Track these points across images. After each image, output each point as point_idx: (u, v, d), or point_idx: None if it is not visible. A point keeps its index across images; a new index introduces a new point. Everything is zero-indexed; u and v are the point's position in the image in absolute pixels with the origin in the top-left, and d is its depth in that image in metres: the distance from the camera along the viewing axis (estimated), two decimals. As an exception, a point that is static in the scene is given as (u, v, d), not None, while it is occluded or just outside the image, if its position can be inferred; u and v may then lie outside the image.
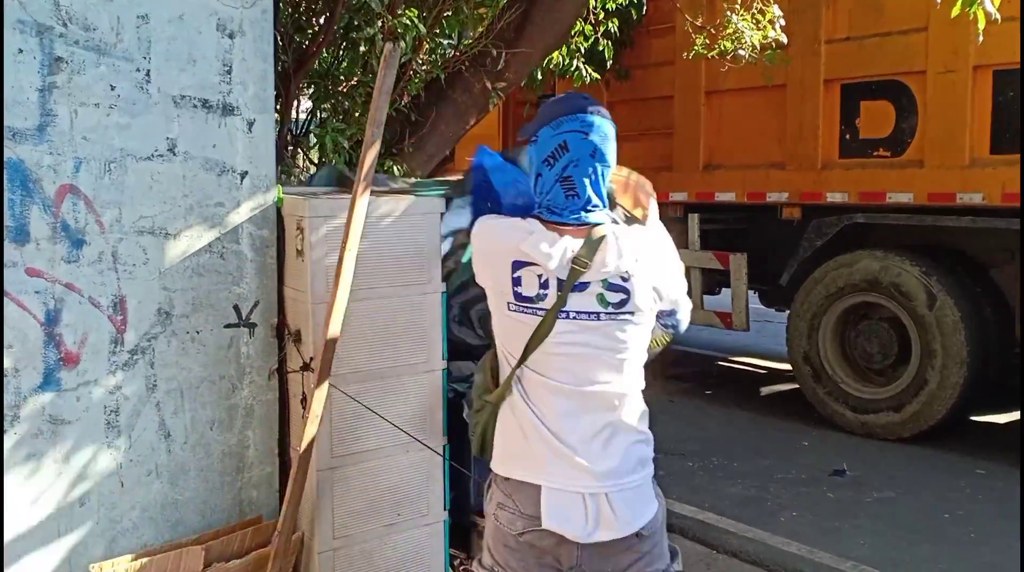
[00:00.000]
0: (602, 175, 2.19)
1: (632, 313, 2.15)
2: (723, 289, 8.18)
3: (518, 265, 2.15)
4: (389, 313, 3.15)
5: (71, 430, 2.75)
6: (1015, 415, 7.08)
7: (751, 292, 7.67)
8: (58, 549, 2.77)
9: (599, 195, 2.19)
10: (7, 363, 2.63)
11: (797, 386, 7.38)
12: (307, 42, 4.38)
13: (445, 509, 3.37)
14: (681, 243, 7.76)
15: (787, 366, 7.96)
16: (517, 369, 2.18)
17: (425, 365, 3.25)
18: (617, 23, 6.14)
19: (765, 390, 7.97)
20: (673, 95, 7.78)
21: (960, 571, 4.51)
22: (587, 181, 2.16)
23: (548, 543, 2.18)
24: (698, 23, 5.72)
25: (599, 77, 5.86)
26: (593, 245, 2.13)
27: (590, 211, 2.18)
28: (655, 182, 8.42)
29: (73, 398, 2.75)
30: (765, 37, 5.05)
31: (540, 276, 2.14)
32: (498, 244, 2.21)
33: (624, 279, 2.14)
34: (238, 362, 3.06)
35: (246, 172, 3.03)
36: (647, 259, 2.18)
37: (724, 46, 5.22)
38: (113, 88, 2.77)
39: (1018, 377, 6.26)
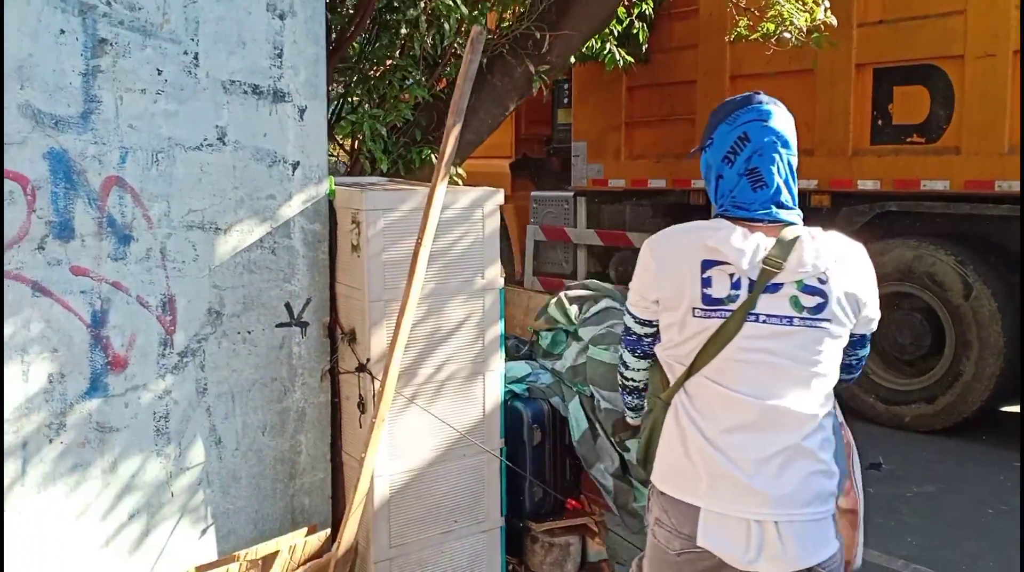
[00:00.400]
0: (789, 165, 2.04)
1: (829, 321, 1.96)
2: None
3: (708, 265, 1.97)
4: (444, 312, 2.99)
5: (119, 438, 2.58)
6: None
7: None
8: (108, 562, 2.60)
9: (789, 189, 2.03)
10: (52, 368, 2.46)
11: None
12: (341, 24, 4.18)
13: (502, 515, 3.22)
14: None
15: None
16: (692, 376, 2.00)
17: (482, 366, 3.08)
18: (652, 4, 5.95)
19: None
20: (696, 79, 7.60)
21: (1011, 568, 4.38)
22: (774, 169, 2.00)
23: (709, 564, 2.01)
24: (741, 4, 5.54)
25: (632, 61, 5.67)
26: (787, 245, 1.95)
27: (781, 207, 2.01)
28: (676, 169, 8.34)
29: (121, 404, 2.57)
30: (813, 19, 4.88)
31: (732, 275, 1.96)
32: (683, 246, 2.03)
33: (821, 282, 1.96)
34: (290, 363, 2.90)
35: (298, 162, 2.85)
36: (849, 264, 2.00)
37: (767, 28, 5.04)
38: (160, 72, 2.58)
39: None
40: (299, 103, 2.85)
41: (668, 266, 2.04)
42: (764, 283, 1.94)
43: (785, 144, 2.02)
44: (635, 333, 2.20)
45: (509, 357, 3.44)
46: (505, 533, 3.24)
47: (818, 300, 1.95)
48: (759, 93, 2.09)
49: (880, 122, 6.57)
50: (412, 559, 3.01)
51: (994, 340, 6.07)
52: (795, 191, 2.05)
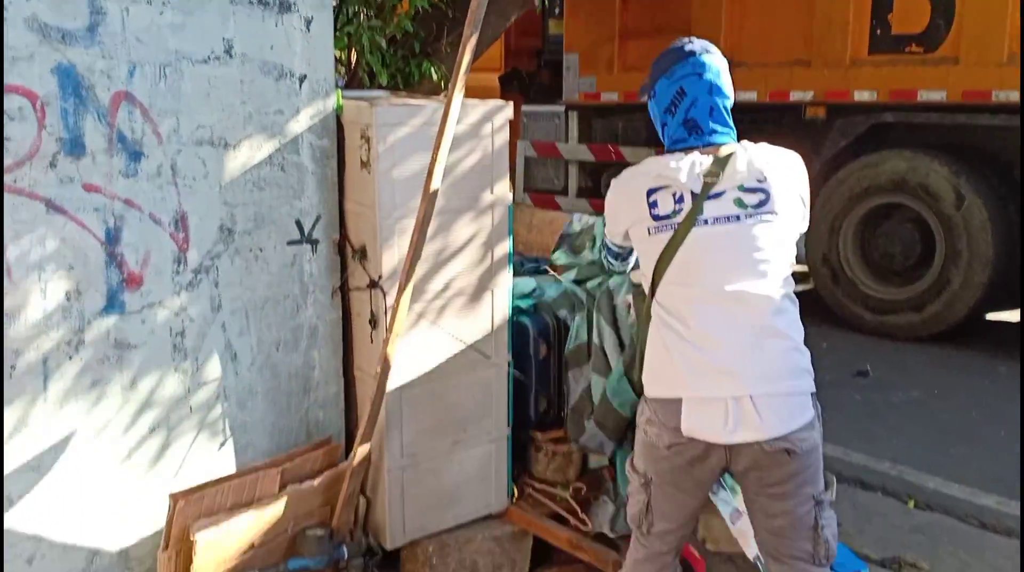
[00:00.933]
0: (723, 108, 2.34)
1: (774, 213, 2.22)
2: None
3: (652, 191, 2.29)
4: (453, 228, 3.00)
5: (137, 354, 2.61)
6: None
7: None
8: (129, 477, 2.66)
9: (723, 124, 2.33)
10: (68, 286, 2.47)
11: (810, 287, 7.35)
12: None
13: (508, 425, 3.29)
14: (699, 143, 7.62)
15: (801, 268, 7.92)
16: (659, 285, 2.27)
17: (490, 282, 3.11)
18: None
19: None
20: (691, -12, 7.49)
21: (997, 469, 4.54)
22: (708, 116, 2.32)
23: (696, 452, 2.28)
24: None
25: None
26: (722, 159, 2.25)
27: (715, 134, 2.31)
28: None
29: (138, 321, 2.59)
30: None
31: (675, 194, 2.26)
32: (633, 182, 2.36)
33: (760, 181, 2.23)
34: (301, 281, 2.91)
35: (305, 76, 2.82)
36: (785, 165, 2.29)
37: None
38: (164, -17, 2.53)
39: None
40: (305, 14, 2.80)
41: (624, 201, 2.39)
42: (706, 193, 2.23)
43: (719, 92, 2.33)
44: (613, 251, 2.62)
45: (514, 273, 3.47)
46: (511, 442, 3.32)
47: (760, 197, 2.23)
48: (691, 41, 2.38)
49: (879, 32, 6.51)
50: (423, 468, 3.09)
51: (983, 249, 6.16)
52: (730, 123, 2.35)
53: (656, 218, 2.27)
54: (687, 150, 2.30)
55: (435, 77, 4.08)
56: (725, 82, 2.35)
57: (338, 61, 4.47)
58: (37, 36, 2.33)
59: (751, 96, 7.20)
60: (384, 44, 3.90)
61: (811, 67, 6.82)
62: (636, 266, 2.55)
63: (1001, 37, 5.87)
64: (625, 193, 2.39)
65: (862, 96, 6.57)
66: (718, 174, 2.23)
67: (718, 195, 2.22)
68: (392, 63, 4.06)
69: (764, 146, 2.30)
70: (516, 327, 3.31)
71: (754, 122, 7.60)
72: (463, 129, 2.92)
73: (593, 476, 3.59)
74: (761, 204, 2.22)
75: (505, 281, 3.15)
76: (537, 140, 8.67)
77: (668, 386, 2.28)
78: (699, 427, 2.22)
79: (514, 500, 3.33)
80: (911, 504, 4.16)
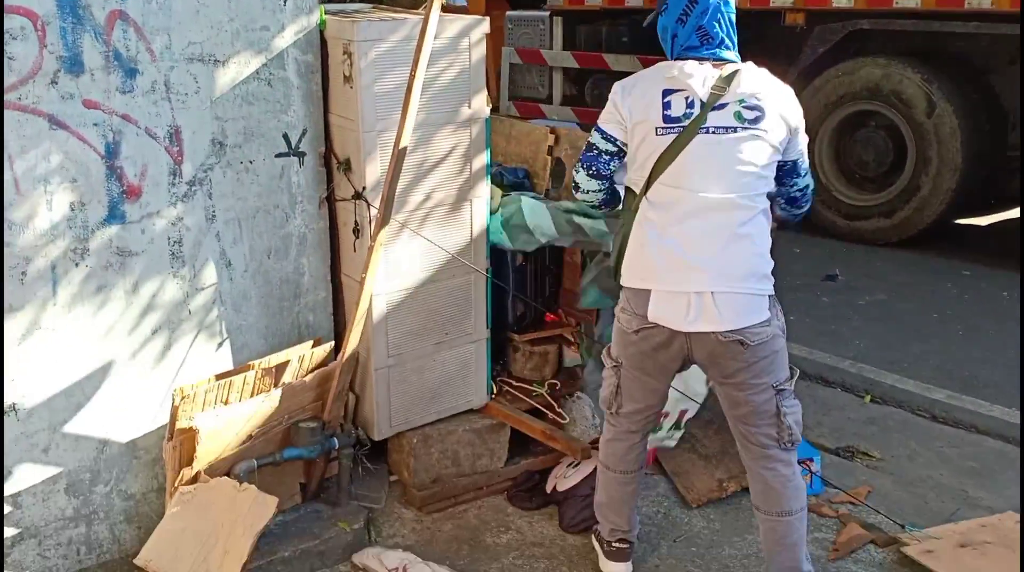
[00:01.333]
0: (729, 18, 2.57)
1: (766, 131, 2.49)
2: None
3: (668, 92, 2.51)
4: (432, 142, 3.14)
5: (138, 262, 2.79)
6: (996, 217, 7.33)
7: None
8: (133, 375, 2.87)
9: (730, 36, 2.58)
10: (72, 198, 2.63)
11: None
12: None
13: (487, 327, 3.50)
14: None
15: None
16: (652, 184, 2.51)
17: (469, 193, 3.28)
18: None
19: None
20: None
21: (952, 366, 4.82)
22: (718, 26, 2.55)
23: (661, 338, 2.58)
24: None
25: None
26: (730, 75, 2.50)
27: (724, 49, 2.55)
28: None
29: (138, 230, 2.77)
30: None
31: (687, 98, 2.50)
32: (647, 79, 2.58)
33: (758, 100, 2.49)
34: (290, 192, 3.07)
35: (288, -8, 2.93)
36: (776, 89, 2.56)
37: None
38: (151, -97, 2.62)
39: (1006, 181, 6.43)
40: (288, -67, 2.89)
41: (635, 93, 2.58)
42: (712, 103, 2.47)
43: (727, 3, 2.56)
44: (597, 148, 2.67)
45: (496, 185, 3.62)
46: (491, 343, 3.54)
47: (756, 114, 2.49)
48: None
49: (857, -63, 6.53)
50: (408, 367, 3.31)
51: (952, 156, 6.33)
52: (735, 39, 2.58)
53: (667, 119, 2.49)
54: (700, 60, 2.52)
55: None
56: None
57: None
58: (34, -43, 2.43)
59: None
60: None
61: (791, -27, 6.85)
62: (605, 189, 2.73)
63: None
64: (641, 89, 2.57)
65: (840, 2, 6.61)
66: (724, 88, 2.47)
67: (722, 106, 2.48)
68: (374, -26, 4.12)
69: (766, 72, 2.56)
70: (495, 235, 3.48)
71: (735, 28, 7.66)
72: (441, 44, 3.05)
73: (568, 372, 3.83)
74: (756, 120, 2.49)
75: (483, 192, 3.32)
76: (521, 47, 8.64)
77: (641, 278, 2.58)
78: (663, 315, 2.54)
79: (493, 396, 3.57)
80: (867, 399, 4.44)
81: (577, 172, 2.74)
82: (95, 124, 2.62)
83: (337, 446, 3.08)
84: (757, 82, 2.51)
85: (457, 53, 3.12)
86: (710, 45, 2.53)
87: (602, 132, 2.65)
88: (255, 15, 2.87)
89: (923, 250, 6.66)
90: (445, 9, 2.88)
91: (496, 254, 3.48)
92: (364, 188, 3.04)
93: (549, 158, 3.85)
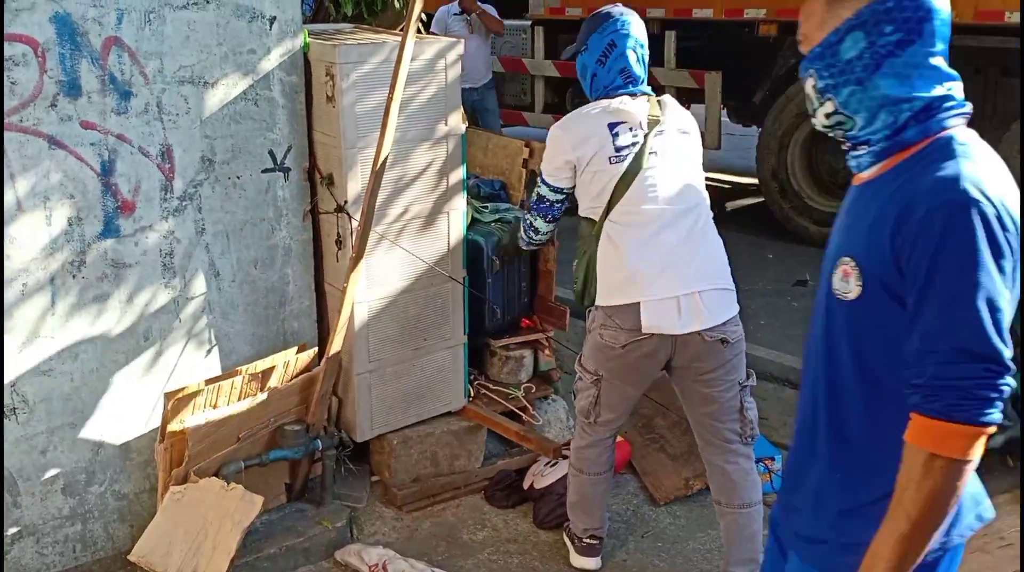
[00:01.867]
0: (643, 56, 2.86)
1: (698, 150, 2.87)
2: (692, 106, 8.31)
3: (613, 125, 2.76)
4: (411, 157, 3.31)
5: (132, 273, 2.94)
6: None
7: (721, 109, 7.82)
8: (126, 381, 3.02)
9: (644, 71, 2.87)
10: (70, 213, 2.78)
11: (761, 201, 7.70)
12: None
13: (464, 333, 3.66)
14: (656, 61, 7.81)
15: (751, 181, 8.25)
16: (615, 206, 2.72)
17: (446, 205, 3.44)
18: None
19: (730, 205, 8.27)
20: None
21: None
22: (637, 65, 2.84)
23: (649, 348, 2.74)
24: None
25: None
26: (660, 105, 2.84)
27: (643, 84, 2.86)
28: None
29: (132, 243, 2.92)
30: None
31: (631, 128, 2.76)
32: (588, 118, 2.80)
33: (687, 124, 2.88)
34: (275, 205, 3.23)
35: (274, 17, 3.08)
36: (691, 118, 2.94)
37: None
38: (145, -64, 2.77)
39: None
40: (274, -39, 3.05)
41: (579, 134, 2.79)
42: (653, 129, 2.77)
43: (641, 45, 2.84)
44: (548, 200, 2.93)
45: (473, 196, 3.79)
46: (468, 349, 3.70)
47: (688, 137, 2.86)
48: (618, 5, 2.89)
49: (828, -48, 6.70)
50: (388, 372, 3.47)
51: (919, 166, 6.50)
52: (646, 73, 2.89)
53: (617, 149, 2.74)
54: (630, 95, 2.81)
55: (397, 4, 4.32)
56: (645, 37, 2.88)
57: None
58: (35, -11, 2.59)
59: (707, 13, 7.41)
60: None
61: (764, -14, 7.03)
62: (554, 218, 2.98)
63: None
64: (586, 126, 2.79)
65: (811, 16, 6.79)
66: (659, 116, 2.79)
67: (662, 132, 2.78)
68: (356, -8, 4.29)
69: (673, 100, 2.95)
70: (472, 245, 3.65)
71: (711, 39, 7.85)
72: (419, 65, 3.22)
73: (543, 375, 4.00)
74: (691, 142, 2.86)
75: (460, 204, 3.49)
76: (504, 55, 8.80)
77: (625, 294, 2.72)
78: (657, 323, 2.69)
79: (471, 399, 3.73)
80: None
81: (535, 220, 3.00)
82: (92, 144, 2.77)
83: (321, 447, 3.23)
84: (680, 109, 2.90)
85: (434, 74, 3.28)
86: (634, 84, 2.83)
87: (549, 186, 2.90)
88: (243, 39, 3.03)
89: (891, 256, 6.83)
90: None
91: (473, 263, 3.64)
92: (346, 201, 3.21)
93: (524, 170, 4.02)
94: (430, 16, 4.32)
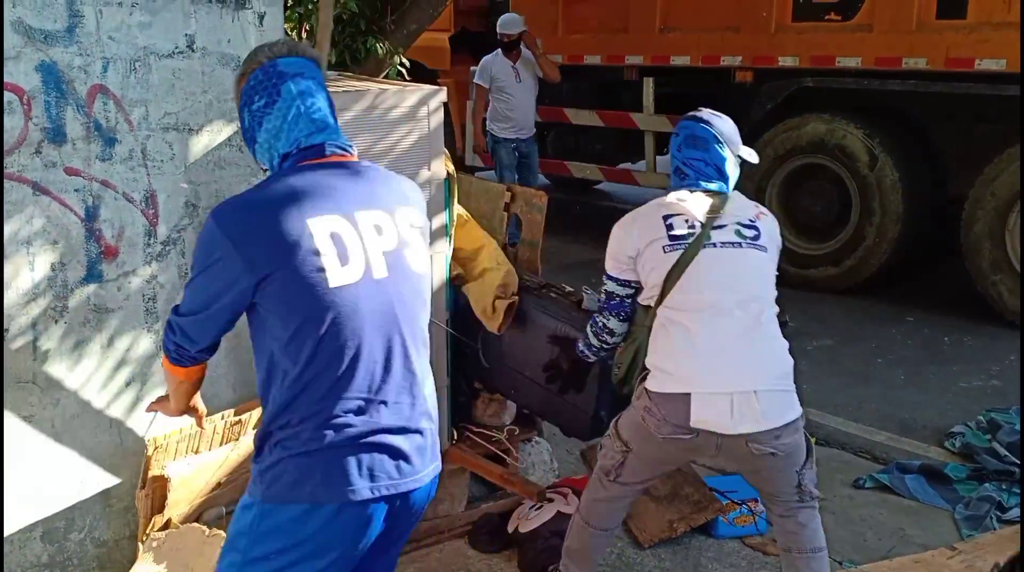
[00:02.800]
0: (723, 164, 2.82)
1: (765, 248, 2.74)
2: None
3: (668, 216, 2.74)
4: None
5: (114, 318, 2.94)
6: (939, 265, 7.63)
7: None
8: (107, 426, 3.00)
9: (720, 171, 2.81)
10: (53, 258, 2.79)
11: (741, 242, 7.77)
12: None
13: (448, 376, 3.67)
14: (635, 107, 7.95)
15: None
16: (668, 293, 2.67)
17: (430, 249, 3.45)
18: None
19: (710, 246, 8.34)
20: (632, -46, 7.77)
21: (891, 409, 5.05)
22: (704, 165, 2.80)
23: (688, 444, 2.63)
24: None
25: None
26: (722, 200, 2.76)
27: (709, 181, 2.80)
28: (611, 45, 8.79)
29: (115, 288, 2.92)
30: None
31: (687, 220, 2.72)
32: (643, 214, 2.81)
33: (752, 221, 2.75)
34: (259, 248, 3.24)
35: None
36: (765, 213, 2.86)
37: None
38: (132, -14, 2.81)
39: (946, 230, 6.73)
40: (258, 10, 3.09)
41: (636, 228, 2.79)
42: (711, 222, 2.69)
43: (716, 141, 2.80)
44: (618, 296, 2.87)
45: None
46: (452, 391, 3.71)
47: (754, 233, 2.73)
48: (702, 110, 2.91)
49: (801, 0, 6.88)
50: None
51: (894, 207, 6.63)
52: (727, 174, 2.82)
53: (672, 238, 2.69)
54: (690, 189, 2.80)
55: (380, 53, 4.38)
56: (732, 132, 2.86)
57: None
58: (23, 38, 2.62)
59: (685, 60, 7.56)
60: (332, 23, 4.19)
61: (740, 33, 7.18)
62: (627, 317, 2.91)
63: (910, 6, 6.25)
64: (642, 220, 2.79)
65: (786, 61, 6.95)
66: (720, 210, 2.72)
67: (722, 226, 2.70)
68: (340, 41, 4.34)
69: (749, 200, 2.86)
70: (456, 290, 3.68)
71: (689, 85, 7.99)
72: (401, 112, 3.27)
73: (526, 417, 4.00)
74: (755, 238, 2.72)
75: (443, 247, 3.52)
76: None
77: (677, 382, 2.60)
78: (707, 418, 2.56)
79: (454, 442, 3.73)
80: (813, 441, 4.63)
81: (608, 321, 2.91)
82: (76, 190, 2.79)
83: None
84: (749, 205, 2.81)
85: (416, 120, 3.33)
86: (699, 178, 2.79)
87: (616, 280, 2.85)
88: (227, 86, 3.06)
89: (869, 297, 6.93)
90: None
91: (460, 308, 3.66)
92: (329, 247, 3.22)
93: (506, 214, 4.06)
94: (408, 68, 4.37)
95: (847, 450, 4.56)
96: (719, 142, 2.80)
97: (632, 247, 2.77)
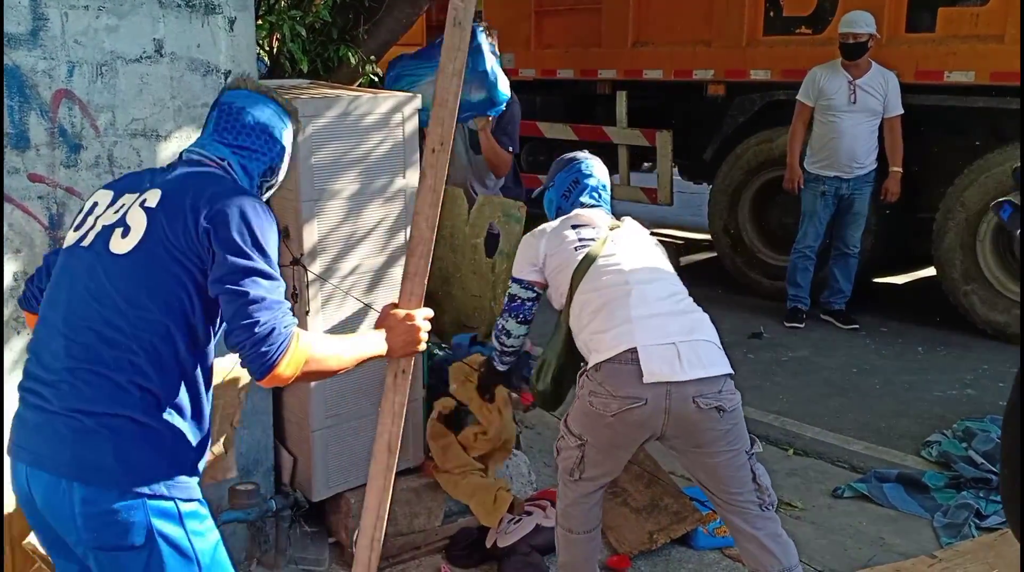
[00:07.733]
0: (602, 192, 3.21)
1: (660, 249, 3.07)
2: (644, 163, 8.46)
3: (575, 226, 3.02)
4: (367, 211, 3.29)
5: (80, 329, 2.86)
6: (911, 276, 7.69)
7: (673, 167, 7.96)
8: (74, 440, 2.91)
9: (606, 205, 3.19)
10: (16, 268, 2.71)
11: (714, 255, 7.80)
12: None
13: (424, 386, 3.61)
14: (608, 120, 7.95)
15: (703, 236, 8.36)
16: (581, 283, 2.86)
17: (400, 261, 3.41)
18: None
19: (684, 260, 8.34)
20: (602, -32, 7.79)
21: (868, 419, 5.05)
22: (595, 201, 3.16)
23: (639, 416, 2.62)
24: None
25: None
26: (617, 218, 3.09)
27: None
28: (583, 59, 8.83)
29: (80, 299, 2.84)
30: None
31: (593, 227, 3.00)
32: (554, 227, 3.05)
33: (645, 236, 3.07)
34: (230, 258, 3.17)
35: (229, 71, 3.06)
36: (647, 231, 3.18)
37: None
38: (99, -11, 2.75)
39: (918, 241, 6.76)
40: (229, 15, 3.04)
41: (551, 237, 3.02)
42: (613, 228, 2.99)
43: (601, 185, 3.20)
44: (519, 298, 3.05)
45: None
46: (426, 403, 3.65)
47: (649, 238, 3.07)
48: (584, 151, 3.31)
49: (772, 14, 6.94)
50: (345, 428, 3.40)
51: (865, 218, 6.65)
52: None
53: (581, 239, 2.96)
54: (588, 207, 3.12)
55: (352, 62, 4.33)
56: (605, 177, 3.26)
57: (261, 48, 4.69)
58: (-16, 41, 2.55)
59: (657, 74, 7.58)
60: (304, 32, 4.13)
61: (712, 47, 7.20)
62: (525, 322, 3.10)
63: (881, 20, 6.27)
64: (552, 230, 3.04)
65: (757, 75, 6.98)
66: (618, 224, 3.04)
67: (622, 235, 2.99)
68: (312, 50, 4.29)
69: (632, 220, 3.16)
70: (428, 300, 3.61)
71: (661, 99, 8.01)
72: (375, 119, 3.22)
73: (503, 431, 3.94)
74: (653, 242, 3.07)
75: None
76: (456, 115, 8.88)
77: (620, 339, 2.64)
78: (657, 369, 2.57)
79: (430, 456, 3.66)
80: (790, 452, 4.63)
81: (507, 322, 3.08)
82: (40, 197, 2.71)
83: (275, 508, 3.14)
84: (640, 227, 3.11)
85: (390, 128, 3.29)
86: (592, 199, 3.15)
87: (520, 282, 3.04)
88: (196, 92, 3.00)
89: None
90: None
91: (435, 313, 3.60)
92: (302, 254, 3.17)
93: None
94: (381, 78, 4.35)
95: (825, 460, 4.53)
96: (603, 183, 3.24)
97: (542, 251, 2.99)
